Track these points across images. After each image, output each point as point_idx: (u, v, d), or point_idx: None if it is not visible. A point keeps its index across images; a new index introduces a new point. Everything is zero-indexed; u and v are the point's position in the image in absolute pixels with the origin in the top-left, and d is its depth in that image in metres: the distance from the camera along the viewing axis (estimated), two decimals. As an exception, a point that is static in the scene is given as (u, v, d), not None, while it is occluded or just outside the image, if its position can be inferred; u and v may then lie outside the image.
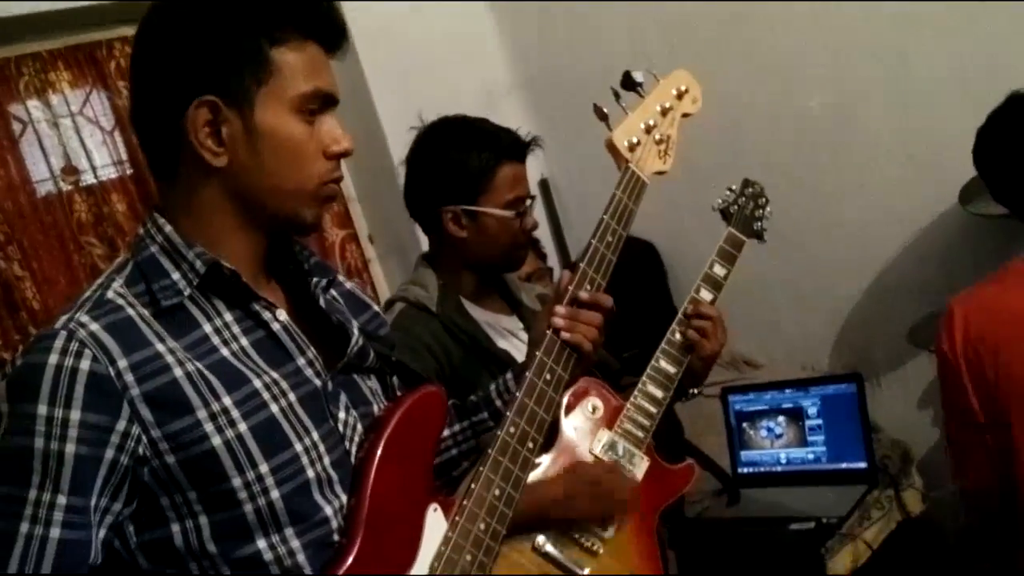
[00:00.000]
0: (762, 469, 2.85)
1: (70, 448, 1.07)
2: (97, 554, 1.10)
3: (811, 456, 2.77)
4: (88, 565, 1.10)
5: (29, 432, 1.07)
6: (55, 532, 1.07)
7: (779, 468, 2.81)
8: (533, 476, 1.76)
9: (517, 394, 1.33)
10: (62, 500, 1.08)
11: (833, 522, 2.49)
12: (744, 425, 2.89)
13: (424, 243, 2.07)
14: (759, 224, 1.95)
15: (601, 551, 1.76)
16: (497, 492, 1.27)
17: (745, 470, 2.87)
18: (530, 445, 1.31)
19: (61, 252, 2.43)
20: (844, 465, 2.71)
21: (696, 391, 1.97)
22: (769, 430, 2.84)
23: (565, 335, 1.38)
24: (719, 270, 1.90)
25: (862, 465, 2.67)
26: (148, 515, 1.14)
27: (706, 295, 1.89)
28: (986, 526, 2.10)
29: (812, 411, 2.77)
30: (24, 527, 1.06)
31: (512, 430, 1.30)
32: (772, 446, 2.83)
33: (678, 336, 1.85)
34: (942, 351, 2.01)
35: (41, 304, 2.27)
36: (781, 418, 2.82)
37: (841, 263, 2.95)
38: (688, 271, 2.93)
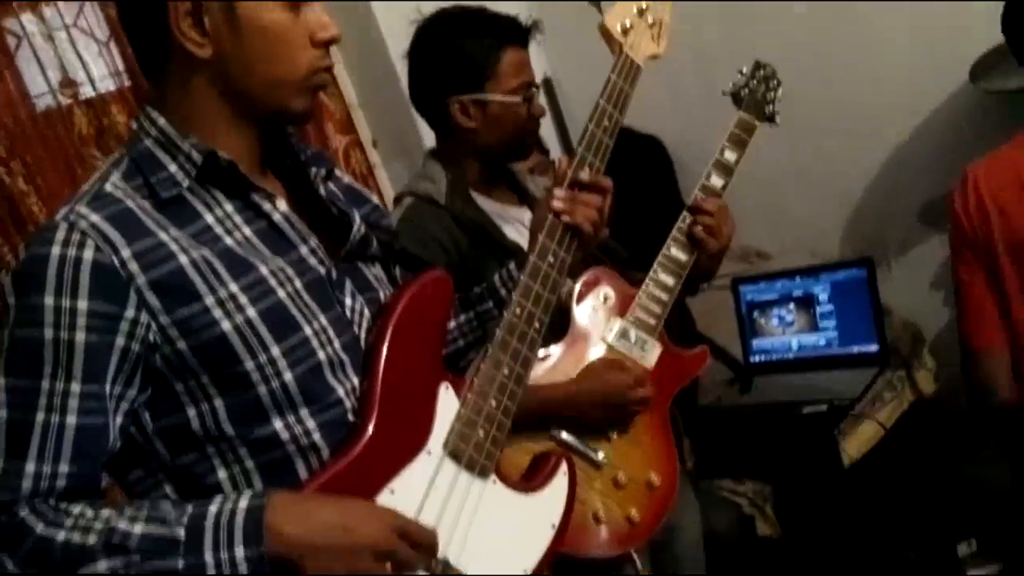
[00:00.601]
0: (774, 356, 2.87)
1: (80, 336, 1.09)
2: (116, 440, 1.12)
3: (822, 341, 2.79)
4: (108, 451, 1.12)
5: (38, 323, 1.08)
6: (72, 419, 1.09)
7: (791, 355, 2.83)
8: (546, 368, 1.79)
9: (521, 276, 1.34)
10: (76, 388, 1.09)
11: (845, 404, 2.52)
12: (755, 314, 2.90)
13: (429, 144, 2.05)
14: (771, 107, 1.93)
15: (615, 436, 1.80)
16: (507, 371, 1.29)
17: (757, 358, 2.89)
18: (536, 325, 1.33)
19: (65, 166, 2.42)
20: (855, 349, 2.73)
21: (706, 285, 1.98)
22: (780, 318, 2.85)
23: (565, 217, 1.39)
24: (730, 155, 1.88)
25: (874, 348, 2.69)
26: (163, 401, 1.15)
27: (717, 181, 1.88)
28: (986, 389, 2.12)
29: (823, 297, 2.77)
30: (40, 416, 1.08)
31: (518, 311, 1.32)
32: (783, 333, 2.85)
33: (689, 223, 1.84)
34: (955, 212, 2.02)
35: (48, 218, 2.27)
36: (792, 305, 2.83)
37: (851, 147, 2.91)
38: (695, 165, 2.89)
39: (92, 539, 1.05)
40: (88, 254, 1.09)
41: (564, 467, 1.35)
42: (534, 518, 1.30)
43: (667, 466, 1.84)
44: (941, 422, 2.74)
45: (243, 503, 1.08)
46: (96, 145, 2.49)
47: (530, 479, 1.34)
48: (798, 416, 2.54)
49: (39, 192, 2.34)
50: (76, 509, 1.08)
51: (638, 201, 2.77)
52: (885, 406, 2.60)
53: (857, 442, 2.53)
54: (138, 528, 1.06)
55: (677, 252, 1.85)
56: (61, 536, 1.05)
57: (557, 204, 1.40)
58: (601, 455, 1.76)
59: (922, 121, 2.77)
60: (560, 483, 1.34)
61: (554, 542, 1.30)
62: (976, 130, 2.62)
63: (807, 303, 2.80)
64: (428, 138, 2.06)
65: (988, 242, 1.98)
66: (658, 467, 1.83)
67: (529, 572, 1.26)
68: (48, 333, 1.08)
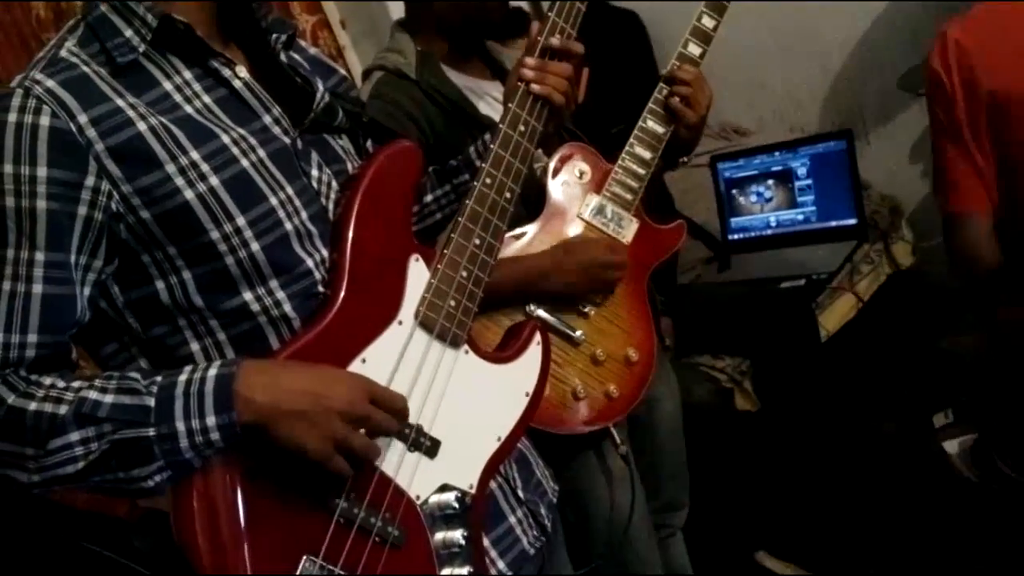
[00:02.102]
0: (752, 234, 2.86)
1: (41, 204, 1.06)
2: (84, 311, 1.11)
3: (800, 217, 2.78)
4: (76, 321, 1.10)
5: None
6: (37, 288, 1.07)
7: (769, 231, 2.83)
8: (521, 245, 1.77)
9: (492, 146, 1.31)
10: (40, 256, 1.07)
11: (823, 278, 2.52)
12: (734, 192, 2.88)
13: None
14: None
15: (592, 312, 1.79)
16: (477, 241, 1.27)
17: (735, 236, 2.89)
18: (507, 195, 1.30)
19: (23, 50, 2.37)
20: (833, 223, 2.72)
21: (685, 160, 1.94)
22: (759, 195, 2.84)
23: (535, 87, 1.35)
24: (708, 22, 1.83)
25: (852, 221, 2.68)
26: (131, 273, 1.14)
27: (694, 49, 1.83)
28: (967, 254, 2.10)
29: (801, 172, 2.75)
30: (7, 286, 1.06)
31: (488, 181, 1.29)
32: (762, 210, 2.84)
33: (666, 94, 1.80)
34: (933, 68, 1.97)
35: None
36: (770, 181, 2.81)
37: (829, 17, 2.85)
38: (674, 41, 2.85)
39: (62, 409, 1.04)
40: (45, 120, 1.06)
41: (537, 336, 1.34)
42: (507, 387, 1.29)
43: (645, 342, 1.84)
44: (918, 294, 2.75)
45: (212, 371, 1.07)
46: (55, 29, 2.41)
47: (503, 349, 1.33)
48: (776, 291, 2.55)
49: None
50: (47, 380, 1.07)
51: (614, 76, 2.73)
52: (863, 279, 2.61)
53: (835, 315, 2.54)
54: (109, 398, 1.05)
55: (654, 124, 1.82)
56: (32, 406, 1.04)
57: (527, 73, 1.36)
58: (579, 332, 1.76)
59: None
60: (533, 352, 1.33)
61: (528, 410, 1.29)
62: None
63: (785, 178, 2.78)
64: (398, 17, 1.99)
65: (967, 101, 1.94)
66: (636, 343, 1.82)
67: (503, 437, 1.26)
68: (9, 201, 1.06)
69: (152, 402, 1.05)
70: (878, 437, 2.62)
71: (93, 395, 1.05)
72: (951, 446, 2.58)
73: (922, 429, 2.64)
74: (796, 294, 2.51)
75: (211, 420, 1.05)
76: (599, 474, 1.88)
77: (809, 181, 2.74)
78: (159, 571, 2.13)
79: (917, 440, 2.61)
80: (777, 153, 2.79)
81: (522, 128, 1.33)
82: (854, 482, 2.52)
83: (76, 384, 1.07)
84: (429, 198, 1.49)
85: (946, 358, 2.70)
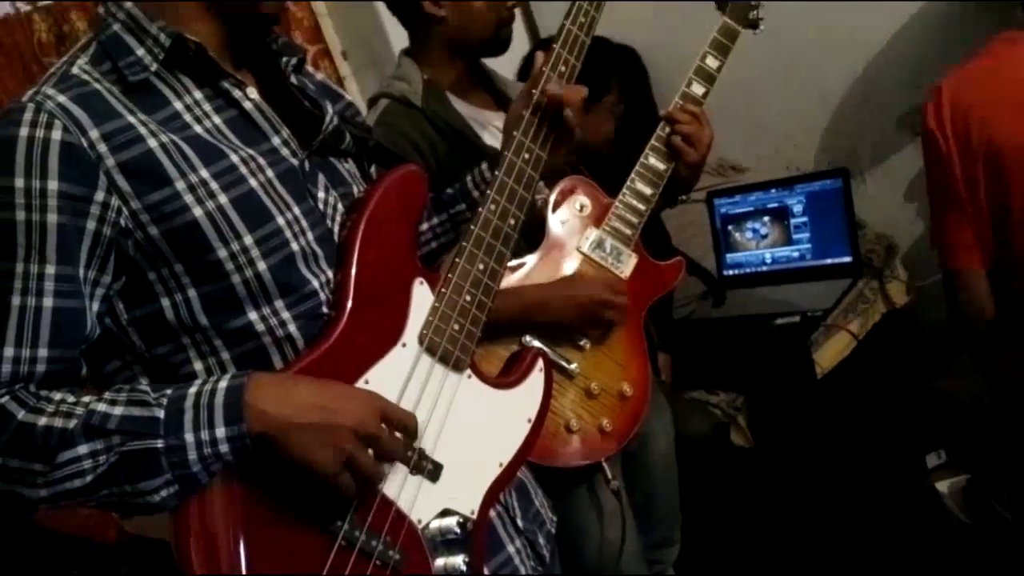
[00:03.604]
0: (747, 270, 2.87)
1: (52, 218, 1.06)
2: (94, 326, 1.11)
3: (796, 254, 2.79)
4: (86, 336, 1.10)
5: (9, 206, 1.06)
6: (48, 301, 1.07)
7: (764, 268, 2.84)
8: (520, 276, 1.78)
9: (497, 173, 1.31)
10: (51, 270, 1.07)
11: (818, 315, 2.53)
12: (730, 228, 2.90)
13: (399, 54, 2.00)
14: (755, 13, 1.88)
15: (588, 346, 1.79)
16: (481, 266, 1.27)
17: (730, 271, 2.90)
18: (511, 222, 1.30)
19: (24, 74, 2.37)
20: (829, 260, 2.73)
21: (684, 198, 1.95)
22: (754, 231, 2.85)
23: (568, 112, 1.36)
24: (712, 62, 1.84)
25: (847, 259, 2.70)
26: (137, 290, 1.13)
27: (698, 89, 1.84)
28: (969, 311, 2.12)
29: (797, 209, 2.77)
30: (16, 300, 1.06)
31: (493, 207, 1.29)
32: (757, 247, 2.85)
33: (668, 132, 1.82)
34: (928, 129, 1.99)
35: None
36: (766, 218, 2.82)
37: (828, 57, 2.88)
38: (673, 77, 2.87)
39: (72, 423, 1.03)
40: (56, 135, 1.06)
41: (540, 363, 1.33)
42: (510, 413, 1.29)
43: (640, 377, 1.84)
44: (913, 333, 2.76)
45: (223, 383, 1.06)
46: (56, 53, 2.42)
47: (505, 375, 1.32)
48: (771, 327, 2.56)
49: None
50: (57, 396, 1.06)
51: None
52: (857, 317, 2.62)
53: (829, 353, 2.54)
54: (118, 410, 1.04)
55: (655, 161, 1.83)
56: (42, 422, 1.03)
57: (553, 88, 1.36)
58: (574, 365, 1.76)
59: (902, 29, 2.73)
60: (536, 379, 1.32)
61: (530, 437, 1.29)
62: (957, 39, 2.58)
63: (781, 215, 2.79)
64: (399, 48, 2.01)
65: (962, 157, 1.96)
66: (631, 377, 1.82)
67: (505, 463, 1.26)
68: (20, 215, 1.05)
69: (161, 414, 1.04)
70: (870, 475, 2.62)
71: (102, 407, 1.04)
72: (943, 486, 2.58)
73: (914, 468, 2.64)
74: (791, 331, 2.51)
75: (220, 432, 1.04)
76: (590, 509, 1.87)
77: (805, 219, 2.76)
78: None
79: (909, 479, 2.62)
80: (773, 190, 2.81)
81: (526, 156, 1.34)
82: (846, 520, 2.51)
83: (86, 399, 1.06)
84: (425, 227, 1.50)
85: (939, 399, 2.71)
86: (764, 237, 2.83)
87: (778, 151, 3.06)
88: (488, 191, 1.31)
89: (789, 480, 2.54)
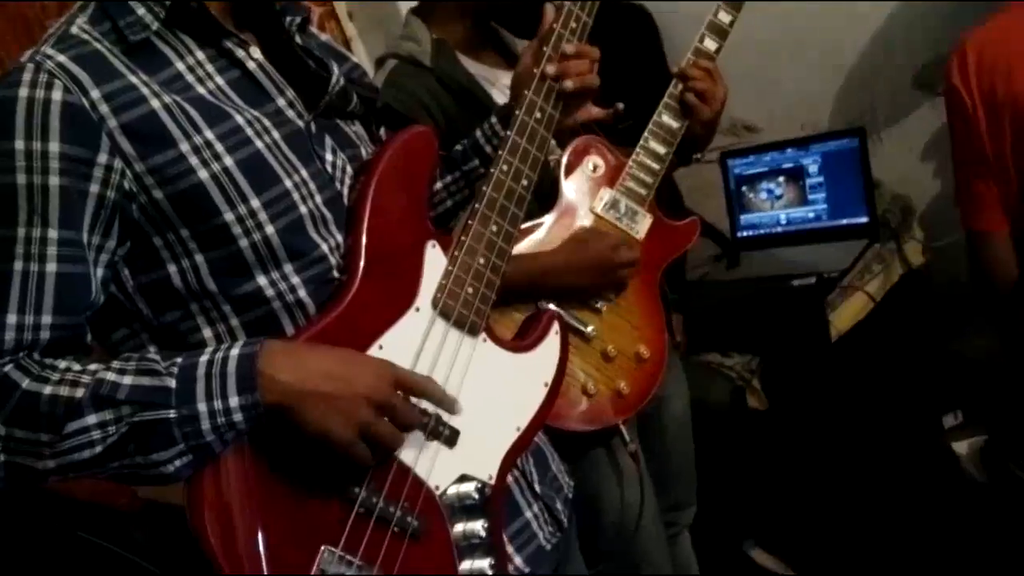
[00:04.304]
0: (762, 231, 2.84)
1: (54, 181, 1.04)
2: (99, 292, 1.08)
3: (811, 215, 2.75)
4: (91, 303, 1.08)
5: (9, 169, 1.03)
6: (51, 267, 1.04)
7: (779, 229, 2.81)
8: (533, 239, 1.75)
9: (508, 133, 1.29)
10: (53, 234, 1.04)
11: (834, 276, 2.50)
12: (744, 189, 2.86)
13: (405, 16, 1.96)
14: None
15: (604, 308, 1.76)
16: (495, 228, 1.25)
17: (745, 233, 2.87)
18: (524, 183, 1.28)
19: (28, 39, 2.33)
20: (845, 221, 2.70)
21: (699, 156, 1.92)
22: (769, 192, 2.81)
23: (567, 83, 1.34)
24: (724, 17, 1.80)
25: (863, 220, 2.66)
26: (143, 256, 1.11)
27: (710, 44, 1.80)
28: (992, 273, 2.09)
29: (813, 169, 2.73)
30: (19, 265, 1.03)
31: (505, 168, 1.27)
32: (772, 207, 2.82)
33: (681, 89, 1.78)
34: (953, 85, 1.95)
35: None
36: (781, 178, 2.79)
37: (843, 16, 2.83)
38: (684, 36, 2.82)
39: (80, 392, 1.01)
40: (57, 95, 1.03)
41: (556, 326, 1.31)
42: (526, 376, 1.27)
43: (656, 339, 1.82)
44: (929, 294, 2.73)
45: (235, 351, 1.04)
46: (59, 16, 2.38)
47: (521, 339, 1.30)
48: (787, 289, 2.53)
49: (1, 65, 2.25)
50: (62, 364, 1.04)
51: (624, 71, 2.70)
52: (874, 278, 2.58)
53: (845, 314, 2.52)
54: (127, 379, 1.02)
55: (668, 119, 1.79)
56: (48, 390, 1.01)
57: (549, 70, 1.34)
58: (590, 328, 1.73)
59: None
60: (552, 342, 1.30)
61: (547, 401, 1.27)
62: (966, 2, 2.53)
63: (797, 176, 2.76)
64: (406, 9, 1.97)
65: (988, 113, 1.92)
66: (647, 339, 1.80)
67: (522, 427, 1.24)
68: (21, 178, 1.03)
69: (173, 383, 1.02)
70: (887, 437, 2.60)
71: (111, 376, 1.02)
72: (960, 447, 2.56)
73: (931, 429, 2.62)
74: (807, 292, 2.48)
75: (234, 401, 1.02)
76: (609, 472, 1.86)
77: (821, 179, 2.72)
78: (160, 563, 2.11)
79: (926, 440, 2.60)
80: (789, 150, 2.77)
81: (538, 115, 1.31)
82: (862, 482, 2.50)
83: (92, 367, 1.03)
84: (439, 186, 1.47)
85: (956, 360, 2.68)
86: (779, 198, 2.79)
87: (792, 111, 3.01)
88: (500, 151, 1.28)
89: (805, 443, 2.53)
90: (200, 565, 1.03)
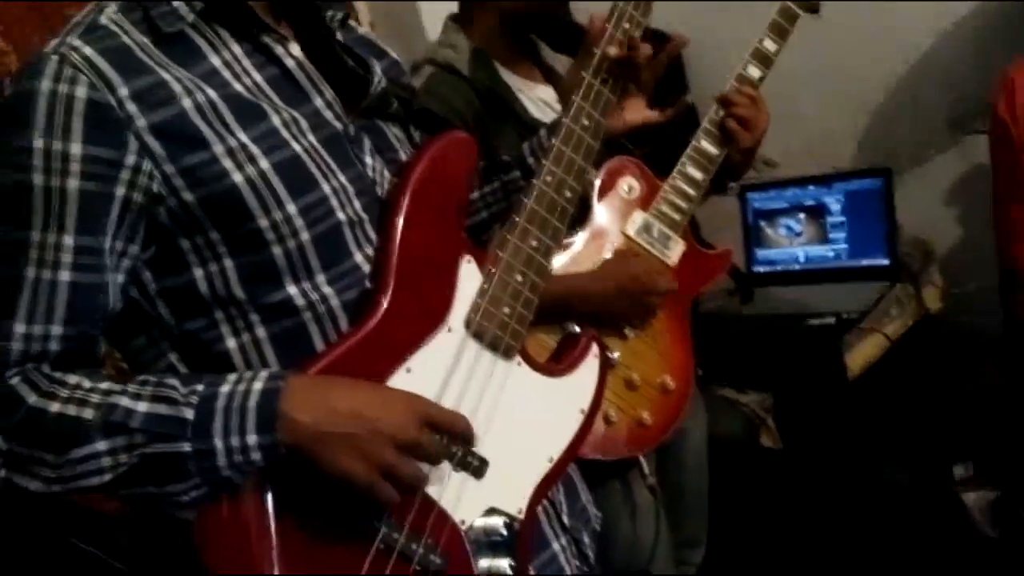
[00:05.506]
0: (779, 267, 2.79)
1: (73, 184, 0.97)
2: (116, 301, 1.02)
3: (831, 254, 2.71)
4: (106, 313, 1.02)
5: (25, 168, 0.96)
6: (65, 275, 0.98)
7: (797, 266, 2.76)
8: (564, 258, 1.69)
9: (553, 141, 1.22)
10: (69, 241, 0.98)
11: (854, 317, 2.45)
12: (762, 223, 2.82)
13: (429, 26, 1.92)
14: None
15: (632, 335, 1.71)
16: (535, 243, 1.18)
17: (761, 268, 2.82)
18: (567, 194, 1.21)
19: (43, 23, 2.27)
20: (865, 262, 2.65)
21: (734, 184, 1.87)
22: (789, 228, 2.77)
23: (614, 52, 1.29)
24: (770, 45, 1.76)
25: (884, 261, 2.62)
26: (168, 260, 1.04)
27: (754, 72, 1.76)
28: None
29: (835, 208, 2.69)
30: (31, 272, 0.97)
31: (549, 179, 1.20)
32: (791, 244, 2.77)
33: (722, 115, 1.73)
34: (999, 117, 1.91)
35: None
36: (802, 215, 2.74)
37: (870, 55, 2.79)
38: (708, 66, 2.78)
39: (88, 413, 0.94)
40: (82, 91, 0.97)
41: (595, 349, 1.25)
42: (562, 402, 1.20)
43: (683, 370, 1.76)
44: (945, 341, 2.69)
45: (258, 383, 0.97)
46: (78, 3, 2.34)
47: (558, 361, 1.24)
48: (803, 327, 2.48)
49: (17, 49, 2.19)
50: (72, 379, 0.98)
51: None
52: (892, 321, 2.54)
53: (861, 356, 2.47)
54: (142, 406, 0.95)
55: (708, 145, 1.74)
56: (55, 408, 0.95)
57: (611, 51, 1.29)
58: (616, 354, 1.68)
59: (949, 26, 2.65)
60: (591, 366, 1.23)
61: (583, 429, 1.20)
62: (1003, 37, 2.50)
63: (818, 213, 2.71)
64: (428, 20, 1.93)
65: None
66: (674, 370, 1.75)
67: (556, 459, 1.17)
68: (37, 179, 0.96)
69: (190, 414, 0.95)
70: (896, 484, 2.55)
71: (125, 402, 0.95)
72: (970, 499, 2.52)
73: (941, 479, 2.58)
74: (824, 332, 2.43)
75: (252, 439, 0.95)
76: (623, 505, 1.80)
77: (843, 218, 2.68)
78: (146, 570, 2.03)
79: (936, 489, 2.55)
80: (811, 187, 2.73)
81: (585, 122, 1.24)
82: (872, 528, 2.45)
83: (104, 386, 0.97)
84: (476, 195, 1.41)
85: (969, 409, 2.64)
86: (799, 234, 2.75)
87: (813, 148, 2.97)
88: (544, 161, 1.21)
89: (815, 485, 2.47)
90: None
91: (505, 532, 1.10)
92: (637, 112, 1.53)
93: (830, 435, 2.45)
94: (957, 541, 2.43)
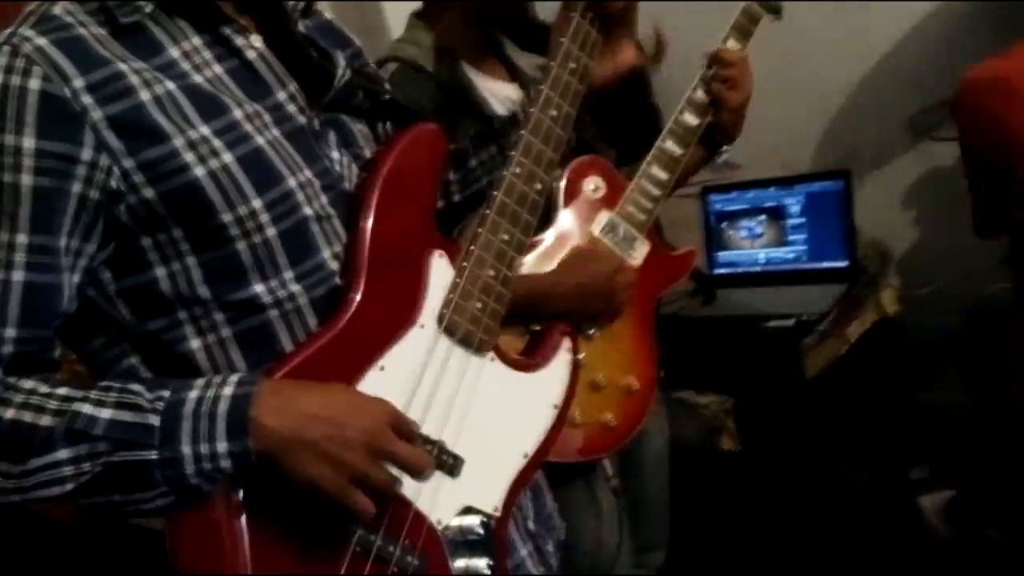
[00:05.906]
0: (739, 269, 2.80)
1: (26, 180, 0.93)
2: (71, 301, 0.98)
3: (791, 255, 2.72)
4: (61, 313, 0.98)
5: None
6: (18, 275, 0.94)
7: (757, 268, 2.77)
8: (530, 258, 1.67)
9: (523, 132, 1.18)
10: (23, 239, 0.94)
11: (813, 319, 2.46)
12: (723, 225, 2.82)
13: (394, 22, 1.89)
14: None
15: (597, 335, 1.69)
16: (506, 236, 1.15)
17: (721, 270, 2.83)
18: (538, 186, 1.18)
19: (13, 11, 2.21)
20: (824, 264, 2.67)
21: (727, 148, 1.86)
22: (749, 230, 2.78)
23: None
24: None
25: (843, 263, 2.64)
26: (128, 259, 1.01)
27: (734, 46, 1.73)
28: None
29: (795, 209, 2.71)
30: None
31: (518, 170, 1.16)
32: (751, 246, 2.78)
33: (700, 94, 1.70)
34: (960, 122, 1.92)
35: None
36: (762, 217, 2.75)
37: (830, 58, 2.82)
38: (669, 66, 2.78)
39: (46, 420, 0.91)
40: (35, 83, 0.93)
41: (567, 343, 1.23)
42: (535, 398, 1.18)
43: (647, 371, 1.75)
44: (902, 343, 2.72)
45: (228, 388, 0.94)
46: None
47: (530, 356, 1.21)
48: (763, 330, 2.49)
49: None
50: (27, 384, 0.94)
51: (606, 100, 2.65)
52: (850, 323, 2.56)
53: (820, 358, 2.48)
54: (106, 413, 0.92)
55: (689, 117, 1.68)
56: (9, 414, 0.91)
57: None
58: (582, 355, 1.65)
59: (912, 29, 2.68)
60: (563, 360, 1.21)
61: (556, 425, 1.18)
62: (968, 39, 2.53)
63: (778, 215, 2.73)
64: (392, 16, 1.90)
65: (999, 148, 1.90)
66: (638, 371, 1.73)
67: (530, 454, 1.15)
68: None
69: (156, 420, 0.92)
70: (853, 486, 2.57)
71: (87, 409, 0.92)
72: (926, 501, 2.54)
73: (897, 481, 2.60)
74: (784, 334, 2.44)
75: (222, 446, 0.92)
76: (587, 507, 1.78)
77: (802, 219, 2.69)
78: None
79: (891, 492, 2.58)
80: (772, 188, 2.74)
81: (554, 112, 1.19)
82: (831, 529, 2.46)
83: (62, 392, 0.93)
84: (473, 163, 1.36)
85: (925, 411, 2.67)
86: (759, 236, 2.76)
87: (774, 150, 2.99)
88: (512, 153, 1.17)
89: (773, 487, 2.48)
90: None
91: (482, 531, 1.08)
92: (626, 52, 1.46)
93: (789, 436, 2.46)
94: (913, 541, 2.45)
